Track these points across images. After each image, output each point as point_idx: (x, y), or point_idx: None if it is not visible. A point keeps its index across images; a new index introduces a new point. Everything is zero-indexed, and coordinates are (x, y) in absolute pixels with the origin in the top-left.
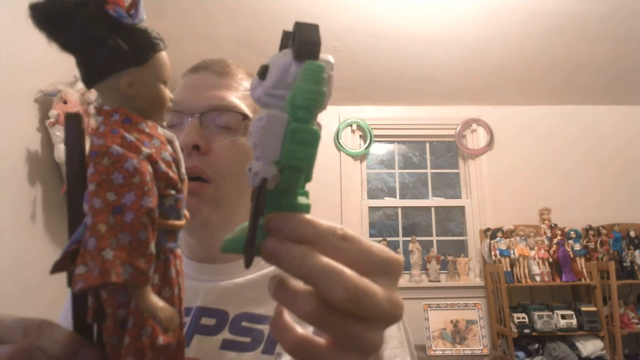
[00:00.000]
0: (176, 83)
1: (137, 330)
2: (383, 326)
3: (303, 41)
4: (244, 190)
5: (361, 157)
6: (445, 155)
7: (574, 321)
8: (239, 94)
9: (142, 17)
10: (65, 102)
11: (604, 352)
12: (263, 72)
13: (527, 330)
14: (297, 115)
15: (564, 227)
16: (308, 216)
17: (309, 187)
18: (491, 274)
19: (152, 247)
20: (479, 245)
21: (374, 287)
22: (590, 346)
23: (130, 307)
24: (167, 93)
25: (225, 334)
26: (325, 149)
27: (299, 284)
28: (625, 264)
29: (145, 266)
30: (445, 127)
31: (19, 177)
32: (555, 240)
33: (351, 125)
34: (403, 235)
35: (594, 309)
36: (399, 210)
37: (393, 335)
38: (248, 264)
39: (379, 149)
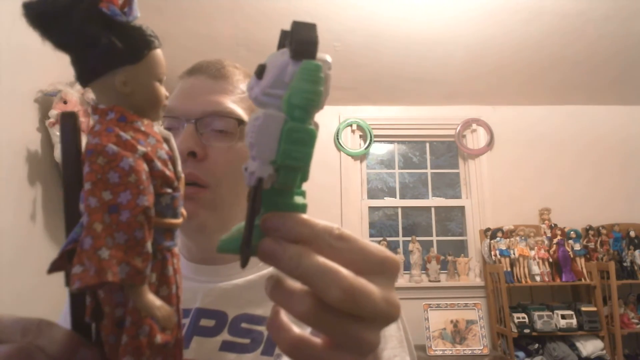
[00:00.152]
0: (174, 84)
1: (134, 329)
2: (380, 326)
3: (300, 40)
4: (240, 194)
5: (361, 157)
6: (445, 155)
7: (574, 321)
8: (235, 98)
9: (136, 15)
10: (65, 102)
11: (604, 352)
12: (260, 71)
13: (527, 330)
14: (293, 115)
15: (564, 227)
16: (304, 216)
17: (309, 186)
18: (491, 274)
19: (149, 245)
20: (479, 245)
21: (371, 287)
22: (590, 346)
23: (128, 306)
24: (163, 91)
25: (225, 336)
26: (325, 149)
27: (295, 284)
28: (625, 264)
29: (141, 265)
30: (445, 127)
31: (19, 177)
32: (555, 240)
33: (351, 125)
34: (403, 235)
35: (594, 309)
36: (399, 210)
37: (392, 335)
38: (244, 264)
39: (379, 149)
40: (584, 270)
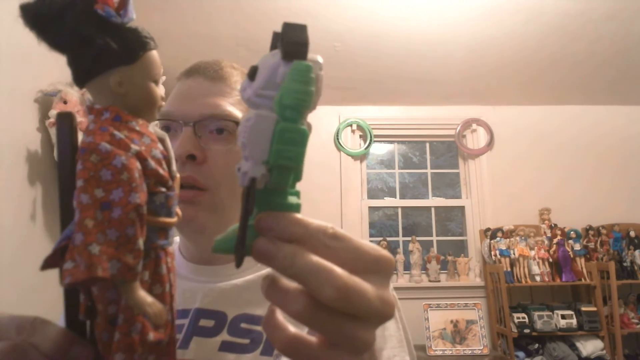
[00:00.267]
0: (174, 84)
1: (127, 327)
2: (374, 324)
3: (291, 42)
4: (239, 196)
5: (361, 157)
6: (445, 155)
7: (574, 321)
8: (233, 100)
9: (132, 17)
10: (65, 102)
11: (604, 352)
12: (253, 73)
13: (527, 330)
14: (285, 115)
15: (564, 227)
16: (298, 215)
17: (308, 186)
18: (491, 274)
19: (140, 243)
20: (479, 245)
21: (365, 286)
22: (590, 346)
23: (121, 303)
24: (158, 92)
25: (224, 336)
26: (325, 149)
27: (290, 284)
28: (625, 264)
29: (133, 262)
30: (445, 127)
31: (19, 177)
32: (555, 240)
33: (351, 125)
34: (403, 235)
35: (594, 309)
36: (399, 210)
37: (392, 335)
38: (239, 264)
39: (379, 149)
40: (584, 270)
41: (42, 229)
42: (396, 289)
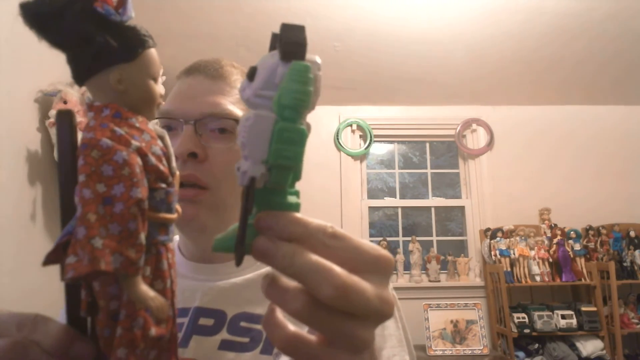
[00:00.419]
0: (174, 83)
1: (129, 322)
2: (373, 323)
3: (289, 42)
4: (240, 195)
5: (361, 157)
6: (445, 155)
7: (574, 321)
8: (233, 98)
9: (131, 15)
10: (65, 102)
11: (604, 352)
12: (252, 73)
13: (527, 330)
14: (284, 115)
15: (564, 227)
16: (298, 215)
17: (309, 186)
18: (491, 274)
19: (142, 237)
20: (479, 245)
21: (364, 285)
22: (590, 346)
23: (122, 299)
24: (157, 89)
25: (224, 334)
26: (325, 149)
27: (290, 282)
28: (625, 264)
29: (135, 256)
30: (445, 127)
31: (19, 177)
32: (555, 240)
33: (351, 125)
34: (403, 235)
35: (594, 309)
36: (399, 210)
37: (392, 334)
38: (239, 263)
39: (379, 149)
40: (584, 270)
41: (42, 229)
42: (396, 289)
